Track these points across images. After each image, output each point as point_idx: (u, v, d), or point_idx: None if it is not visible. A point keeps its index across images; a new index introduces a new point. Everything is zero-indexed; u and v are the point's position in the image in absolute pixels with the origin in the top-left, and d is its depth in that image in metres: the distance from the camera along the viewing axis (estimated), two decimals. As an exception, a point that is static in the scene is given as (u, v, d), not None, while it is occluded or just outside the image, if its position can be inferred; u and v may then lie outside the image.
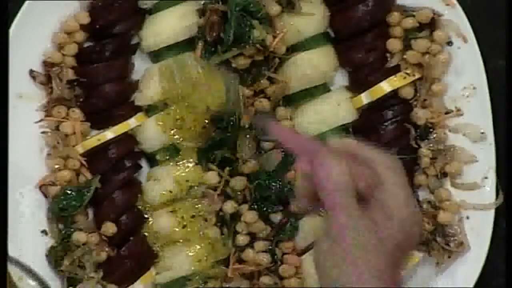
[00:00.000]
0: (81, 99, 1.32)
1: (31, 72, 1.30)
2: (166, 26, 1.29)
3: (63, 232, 1.29)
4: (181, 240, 1.30)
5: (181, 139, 1.31)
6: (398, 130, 1.30)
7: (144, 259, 1.31)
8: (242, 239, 1.29)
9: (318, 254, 0.96)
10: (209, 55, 1.30)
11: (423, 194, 1.31)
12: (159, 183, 1.31)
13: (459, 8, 1.29)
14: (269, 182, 1.28)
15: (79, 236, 1.28)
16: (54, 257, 1.28)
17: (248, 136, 1.30)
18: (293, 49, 1.31)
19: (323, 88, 1.33)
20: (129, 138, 1.32)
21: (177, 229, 1.30)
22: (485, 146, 1.29)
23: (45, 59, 1.30)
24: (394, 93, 1.30)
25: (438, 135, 1.30)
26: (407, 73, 1.30)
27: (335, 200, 0.94)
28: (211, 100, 1.28)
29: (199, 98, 1.29)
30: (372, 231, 0.93)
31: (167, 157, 1.31)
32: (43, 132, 1.30)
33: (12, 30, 1.26)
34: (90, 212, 1.31)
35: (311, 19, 1.30)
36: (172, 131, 1.30)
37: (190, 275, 1.29)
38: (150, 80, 1.31)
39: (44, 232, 1.29)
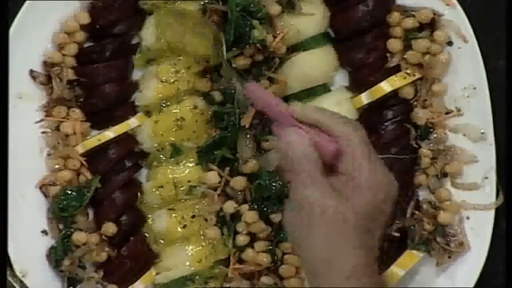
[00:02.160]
0: (81, 99, 1.32)
1: (31, 72, 1.30)
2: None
3: (63, 232, 1.28)
4: (181, 240, 1.30)
5: (181, 139, 1.31)
6: (398, 130, 1.30)
7: (144, 259, 1.31)
8: (242, 239, 1.29)
9: (286, 224, 1.00)
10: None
11: (423, 194, 1.32)
12: (159, 183, 1.30)
13: (459, 8, 1.29)
14: (269, 182, 1.28)
15: (79, 236, 1.28)
16: (54, 257, 1.28)
17: (248, 136, 1.30)
18: (293, 49, 1.31)
19: (323, 88, 1.33)
20: (129, 138, 1.32)
21: (177, 229, 1.30)
22: (485, 146, 1.29)
23: (45, 59, 1.30)
24: (394, 93, 1.30)
25: (438, 135, 1.30)
26: (407, 73, 1.30)
27: (299, 172, 0.97)
28: (205, 48, 1.28)
29: (193, 44, 1.28)
30: (341, 204, 0.95)
31: (167, 157, 1.31)
32: (43, 132, 1.30)
33: (12, 30, 1.26)
34: (90, 212, 1.31)
35: (311, 19, 1.30)
36: (172, 131, 1.30)
37: (190, 275, 1.29)
38: (150, 80, 1.31)
39: (44, 232, 1.29)
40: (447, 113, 1.31)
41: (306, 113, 1.02)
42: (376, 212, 0.97)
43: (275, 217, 1.29)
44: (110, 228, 1.28)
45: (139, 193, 1.32)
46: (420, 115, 1.29)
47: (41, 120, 1.30)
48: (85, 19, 1.30)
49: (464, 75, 1.30)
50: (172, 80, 1.30)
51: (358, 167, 0.98)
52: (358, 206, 0.96)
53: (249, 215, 1.27)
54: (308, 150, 0.99)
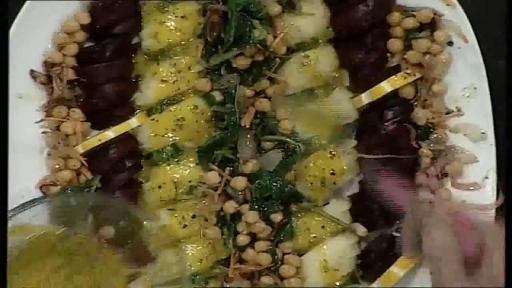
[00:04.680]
0: (81, 99, 1.32)
1: (32, 72, 1.30)
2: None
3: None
4: (181, 240, 1.30)
5: (181, 139, 1.31)
6: (398, 130, 1.30)
7: (145, 260, 1.31)
8: (242, 239, 1.29)
9: None
10: (210, 55, 1.30)
11: (423, 194, 1.31)
12: (159, 183, 1.30)
13: (459, 8, 1.29)
14: (269, 182, 1.28)
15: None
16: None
17: (248, 136, 1.30)
18: (293, 49, 1.31)
19: (323, 88, 1.33)
20: (129, 138, 1.32)
21: (177, 229, 1.30)
22: (485, 146, 1.29)
23: (45, 59, 1.30)
24: (395, 93, 1.30)
25: (439, 135, 1.30)
26: (407, 73, 1.30)
27: (441, 269, 1.00)
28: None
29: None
30: None
31: (168, 157, 1.31)
32: (43, 132, 1.30)
33: (12, 30, 1.26)
34: (91, 212, 1.31)
35: (311, 19, 1.30)
36: (172, 131, 1.30)
37: (190, 274, 1.29)
38: (150, 80, 1.31)
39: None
40: (447, 113, 1.31)
41: (452, 209, 1.06)
42: None
43: (275, 217, 1.29)
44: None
45: (139, 193, 1.32)
46: (420, 115, 1.29)
47: (41, 120, 1.30)
48: (85, 19, 1.30)
49: (464, 75, 1.30)
50: (172, 80, 1.30)
51: (498, 267, 1.00)
52: None
53: (250, 215, 1.27)
54: (452, 249, 1.01)
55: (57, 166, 1.29)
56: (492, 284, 1.00)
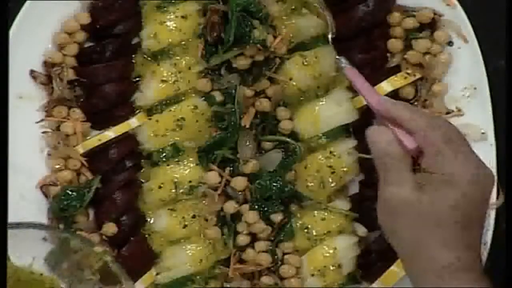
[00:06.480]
0: (81, 99, 1.32)
1: (32, 72, 1.30)
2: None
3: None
4: (182, 240, 1.30)
5: (181, 139, 1.30)
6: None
7: (145, 260, 1.31)
8: (242, 239, 1.29)
9: (379, 220, 1.02)
10: (210, 55, 1.30)
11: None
12: (159, 183, 1.30)
13: (459, 8, 1.29)
14: (269, 182, 1.28)
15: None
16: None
17: (248, 136, 1.30)
18: (293, 49, 1.31)
19: (323, 88, 1.33)
20: (129, 138, 1.32)
21: (177, 229, 1.30)
22: (485, 146, 1.29)
23: (45, 59, 1.30)
24: (395, 93, 1.30)
25: (439, 136, 1.30)
26: (407, 73, 1.30)
27: (385, 170, 0.99)
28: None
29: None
30: (424, 201, 0.95)
31: (168, 157, 1.31)
32: (43, 132, 1.30)
33: (12, 30, 1.26)
34: (91, 213, 1.31)
35: (311, 19, 1.30)
36: (172, 131, 1.30)
37: (191, 275, 1.29)
38: (150, 80, 1.31)
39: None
40: (447, 113, 1.31)
41: (388, 107, 1.05)
42: (470, 207, 0.96)
43: (276, 217, 1.29)
44: (110, 228, 1.28)
45: (139, 193, 1.32)
46: (421, 115, 1.29)
47: (42, 120, 1.30)
48: (86, 19, 1.30)
49: (465, 75, 1.30)
50: (172, 80, 1.30)
51: (441, 163, 0.97)
52: (443, 202, 0.96)
53: (250, 215, 1.27)
54: (391, 149, 1.01)
55: (57, 166, 1.29)
56: (440, 186, 0.97)
